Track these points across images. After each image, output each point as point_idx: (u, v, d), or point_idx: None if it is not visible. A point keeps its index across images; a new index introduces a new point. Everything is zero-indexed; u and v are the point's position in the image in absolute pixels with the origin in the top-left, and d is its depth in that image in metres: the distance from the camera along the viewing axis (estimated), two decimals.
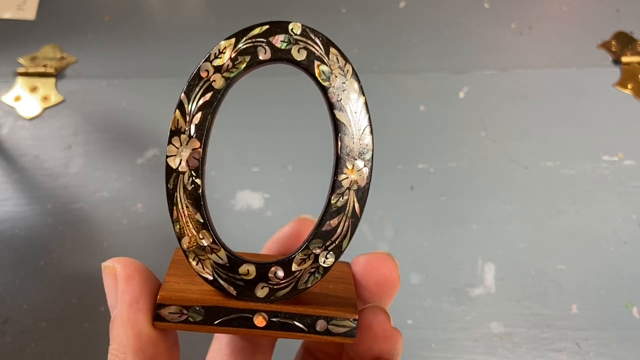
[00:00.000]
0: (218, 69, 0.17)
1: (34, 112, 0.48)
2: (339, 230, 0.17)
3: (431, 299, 0.40)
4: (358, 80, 0.17)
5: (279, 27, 0.17)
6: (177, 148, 0.17)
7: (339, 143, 0.17)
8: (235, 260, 0.17)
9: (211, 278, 0.17)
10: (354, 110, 0.17)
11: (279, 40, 0.17)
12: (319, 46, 0.17)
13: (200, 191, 0.17)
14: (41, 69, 0.50)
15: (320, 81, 0.17)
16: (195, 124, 0.17)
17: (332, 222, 0.17)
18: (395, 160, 0.45)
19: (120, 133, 0.47)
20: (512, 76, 0.50)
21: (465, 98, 0.49)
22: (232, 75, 0.17)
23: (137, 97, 0.49)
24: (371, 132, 0.17)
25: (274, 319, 0.17)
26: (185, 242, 0.17)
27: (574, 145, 0.46)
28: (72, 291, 0.40)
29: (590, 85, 0.49)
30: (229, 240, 0.18)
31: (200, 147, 0.17)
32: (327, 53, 0.17)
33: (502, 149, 0.46)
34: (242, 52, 0.17)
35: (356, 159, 0.17)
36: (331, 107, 0.17)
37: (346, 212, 0.17)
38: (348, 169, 0.17)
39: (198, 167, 0.17)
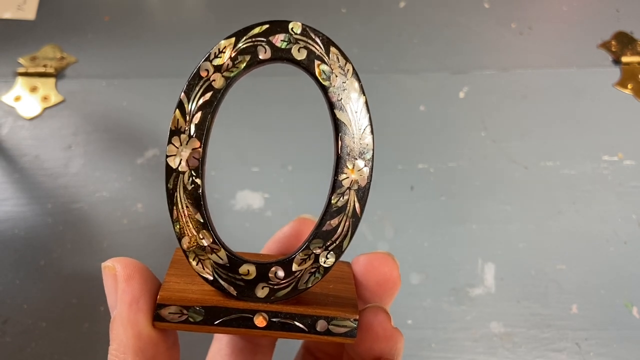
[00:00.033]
0: (218, 69, 0.17)
1: (34, 112, 0.48)
2: (339, 230, 0.17)
3: (431, 299, 0.40)
4: (358, 80, 0.17)
5: (279, 26, 0.17)
6: (177, 148, 0.17)
7: (340, 143, 0.17)
8: (235, 260, 0.17)
9: (211, 278, 0.17)
10: (354, 110, 0.17)
11: (279, 40, 0.17)
12: (319, 45, 0.17)
13: (200, 191, 0.17)
14: (41, 69, 0.49)
15: (321, 80, 0.17)
16: (195, 124, 0.17)
17: (332, 222, 0.17)
18: (395, 160, 0.45)
19: (120, 133, 0.47)
20: (512, 76, 0.50)
21: (465, 98, 0.49)
22: (232, 74, 0.17)
23: (137, 97, 0.49)
24: (372, 131, 0.17)
25: (274, 319, 0.17)
26: (185, 242, 0.17)
27: (574, 145, 0.46)
28: (72, 291, 0.40)
29: (590, 85, 0.49)
30: (229, 240, 0.18)
31: (200, 147, 0.17)
32: (328, 52, 0.17)
33: (502, 149, 0.46)
34: (242, 52, 0.17)
35: (357, 159, 0.17)
36: (331, 106, 0.17)
37: (347, 211, 0.17)
38: (348, 168, 0.17)
39: (198, 167, 0.17)
